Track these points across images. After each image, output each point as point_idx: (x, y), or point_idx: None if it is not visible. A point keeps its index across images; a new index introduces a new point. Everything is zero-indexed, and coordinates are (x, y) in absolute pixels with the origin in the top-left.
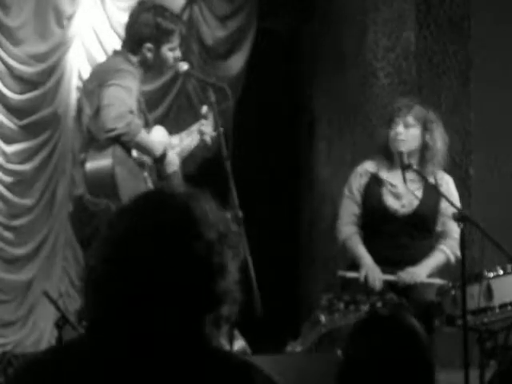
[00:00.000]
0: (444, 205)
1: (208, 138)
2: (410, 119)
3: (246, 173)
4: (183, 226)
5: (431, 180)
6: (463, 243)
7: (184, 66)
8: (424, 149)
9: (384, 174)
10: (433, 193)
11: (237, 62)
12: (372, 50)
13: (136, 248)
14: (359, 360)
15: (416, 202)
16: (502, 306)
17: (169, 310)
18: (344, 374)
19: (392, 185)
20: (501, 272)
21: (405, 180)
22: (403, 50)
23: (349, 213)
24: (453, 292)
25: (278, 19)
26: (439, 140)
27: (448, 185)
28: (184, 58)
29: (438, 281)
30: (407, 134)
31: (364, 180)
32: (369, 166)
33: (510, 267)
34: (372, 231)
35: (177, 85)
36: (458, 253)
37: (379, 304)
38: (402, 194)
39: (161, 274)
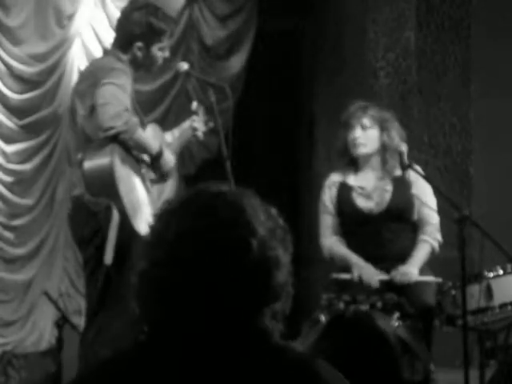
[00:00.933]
0: (416, 193)
1: (200, 134)
2: (366, 121)
3: (246, 173)
4: (236, 224)
5: (395, 175)
6: (463, 243)
7: (184, 66)
8: (384, 148)
9: (351, 180)
10: (402, 185)
11: (237, 62)
12: (372, 49)
13: (189, 249)
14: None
15: (388, 196)
16: (502, 306)
17: (228, 309)
18: None
19: (361, 187)
20: (501, 272)
21: (405, 179)
22: (403, 50)
23: (327, 226)
24: (453, 292)
25: (278, 19)
26: (397, 137)
27: (417, 178)
28: (184, 58)
29: (431, 278)
30: (366, 137)
31: (333, 191)
32: (335, 178)
33: (510, 267)
34: (352, 235)
35: (177, 85)
36: (439, 237)
37: (379, 304)
38: (372, 193)
39: (217, 274)
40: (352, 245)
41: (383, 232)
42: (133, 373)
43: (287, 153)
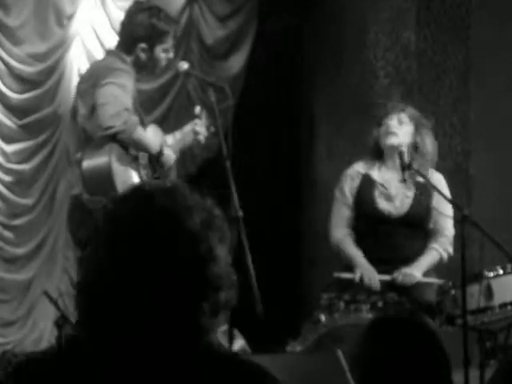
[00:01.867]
0: (436, 203)
1: (202, 138)
2: (404, 117)
3: (246, 173)
4: (163, 220)
5: (423, 179)
6: (463, 243)
7: (184, 66)
8: (414, 148)
9: (375, 175)
10: (424, 192)
11: (237, 62)
12: (372, 49)
13: (119, 246)
14: (376, 360)
15: (408, 202)
16: (502, 306)
17: (163, 306)
18: (364, 375)
19: (384, 186)
20: (501, 272)
21: (405, 180)
22: (403, 50)
23: (341, 216)
24: (453, 292)
25: (278, 19)
26: (429, 143)
27: (439, 182)
28: (184, 58)
29: (434, 280)
30: (400, 129)
31: (356, 182)
32: (359, 167)
33: (510, 267)
34: (365, 232)
35: (177, 84)
36: (450, 250)
37: (380, 303)
38: (394, 195)
39: (148, 269)
40: (361, 242)
41: (396, 235)
42: (55, 372)
43: (287, 152)
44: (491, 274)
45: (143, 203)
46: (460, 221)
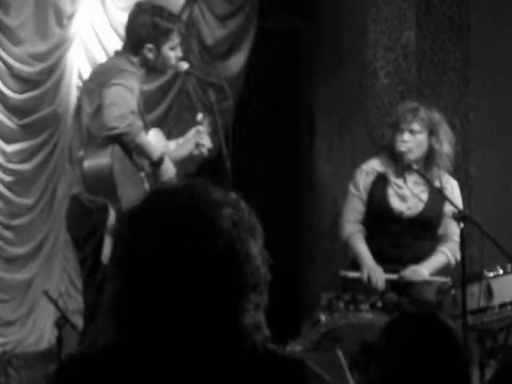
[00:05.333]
0: (447, 208)
1: (205, 151)
2: (416, 126)
3: (246, 172)
4: (199, 218)
5: (436, 182)
6: (463, 243)
7: (184, 66)
8: (431, 153)
9: (390, 173)
10: (437, 196)
11: (237, 62)
12: (372, 49)
13: (153, 247)
14: (395, 356)
15: (421, 205)
16: (502, 306)
17: (202, 306)
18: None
19: (398, 186)
20: (501, 272)
21: (405, 180)
22: (403, 50)
23: (353, 210)
24: (453, 291)
25: (278, 19)
26: (445, 142)
27: (453, 189)
28: (184, 58)
29: (441, 279)
30: (414, 141)
31: (370, 178)
32: (375, 165)
33: (509, 267)
34: (375, 230)
35: (177, 84)
36: (458, 256)
37: (379, 304)
38: (408, 196)
39: (186, 277)
40: (370, 239)
41: (405, 235)
42: (101, 374)
43: (287, 151)
44: (491, 274)
45: (169, 209)
46: (460, 220)
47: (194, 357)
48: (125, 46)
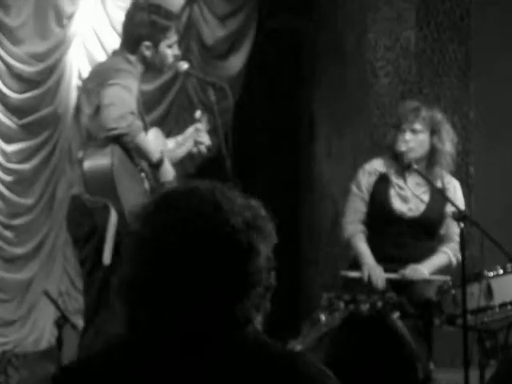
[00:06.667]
0: (449, 209)
1: (204, 149)
2: (418, 125)
3: (246, 172)
4: (210, 217)
5: (438, 183)
6: (463, 243)
7: (184, 65)
8: (433, 152)
9: (392, 174)
10: (439, 196)
11: (237, 62)
12: (372, 49)
13: (165, 243)
14: (342, 360)
15: (423, 206)
16: (502, 306)
17: (206, 300)
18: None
19: (400, 187)
20: (501, 271)
21: (405, 180)
22: (403, 50)
23: (355, 210)
24: (453, 291)
25: (278, 19)
26: (447, 141)
27: (455, 190)
28: (184, 58)
29: (441, 277)
30: (416, 140)
31: (373, 179)
32: (378, 165)
33: (510, 267)
34: (376, 230)
35: (177, 84)
36: (460, 256)
37: (379, 303)
38: (410, 197)
39: (196, 267)
40: (371, 239)
41: (406, 236)
42: (117, 370)
43: (287, 152)
44: (491, 274)
45: (190, 202)
46: (460, 220)
47: (189, 348)
48: (122, 45)
